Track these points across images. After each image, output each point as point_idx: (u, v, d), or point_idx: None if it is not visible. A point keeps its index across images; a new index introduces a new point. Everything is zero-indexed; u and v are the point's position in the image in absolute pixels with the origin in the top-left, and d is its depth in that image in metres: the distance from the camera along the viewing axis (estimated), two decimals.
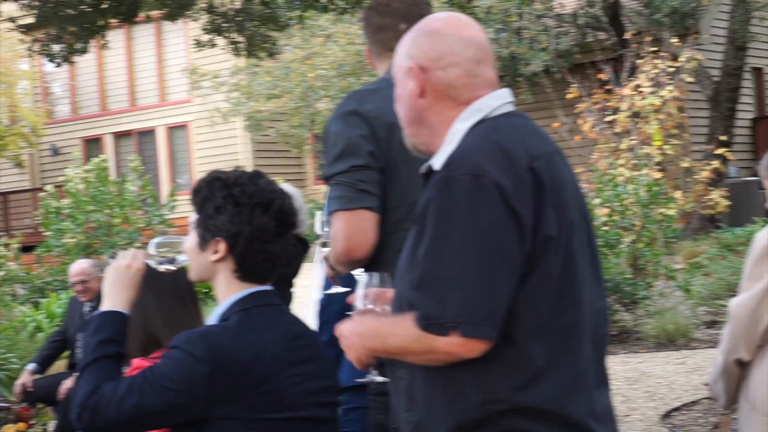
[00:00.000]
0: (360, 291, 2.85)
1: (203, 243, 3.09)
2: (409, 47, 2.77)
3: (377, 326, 2.71)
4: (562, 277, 2.58)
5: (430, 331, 2.50)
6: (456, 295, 2.49)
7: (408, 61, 2.75)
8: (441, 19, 2.78)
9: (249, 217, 3.02)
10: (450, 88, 2.71)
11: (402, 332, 2.57)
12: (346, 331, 2.75)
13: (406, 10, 3.78)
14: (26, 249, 17.03)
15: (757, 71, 24.71)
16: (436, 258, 2.53)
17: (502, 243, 2.50)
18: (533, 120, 2.81)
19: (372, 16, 3.85)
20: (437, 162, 2.68)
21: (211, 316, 3.13)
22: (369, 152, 3.53)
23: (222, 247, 3.05)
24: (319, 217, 3.79)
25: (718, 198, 16.96)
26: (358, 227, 3.48)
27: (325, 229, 3.67)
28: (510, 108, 2.75)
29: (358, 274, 3.28)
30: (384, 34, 3.79)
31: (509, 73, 20.65)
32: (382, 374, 2.93)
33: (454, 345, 2.49)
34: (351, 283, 3.20)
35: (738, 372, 3.87)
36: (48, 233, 15.18)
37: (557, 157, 2.71)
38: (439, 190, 2.56)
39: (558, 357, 2.57)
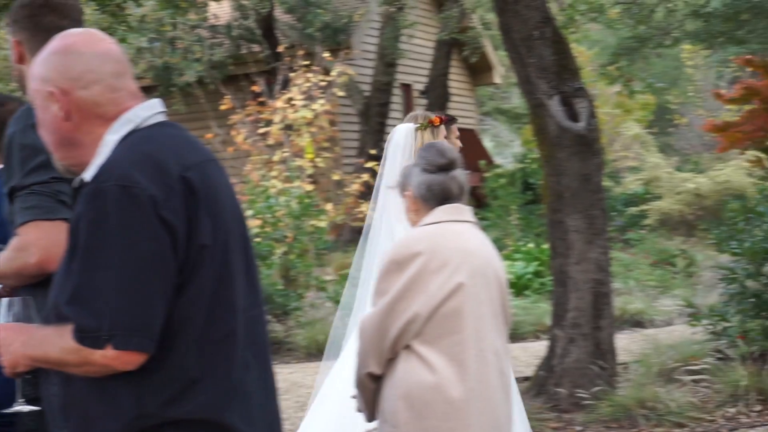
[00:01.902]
0: (2, 316, 2.80)
1: None
2: (44, 70, 2.67)
3: (41, 335, 2.64)
4: (217, 286, 2.58)
5: (85, 344, 2.47)
6: (109, 308, 2.46)
7: (46, 85, 2.65)
8: (73, 37, 2.70)
9: None
10: (96, 106, 2.64)
11: (61, 344, 2.53)
12: (5, 332, 2.70)
13: (77, 12, 3.62)
14: None
15: (406, 87, 25.58)
16: (89, 271, 2.49)
17: (155, 254, 2.48)
18: (187, 130, 2.79)
19: (42, 16, 3.59)
20: (88, 174, 2.62)
21: None
22: None
23: None
24: None
25: (369, 210, 17.32)
26: (57, 238, 3.24)
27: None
28: (162, 118, 2.72)
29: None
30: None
31: (163, 83, 20.37)
32: (33, 391, 2.85)
33: (109, 358, 2.46)
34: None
35: (372, 385, 3.94)
36: None
37: (212, 166, 2.70)
38: (89, 203, 2.52)
39: (213, 366, 2.57)
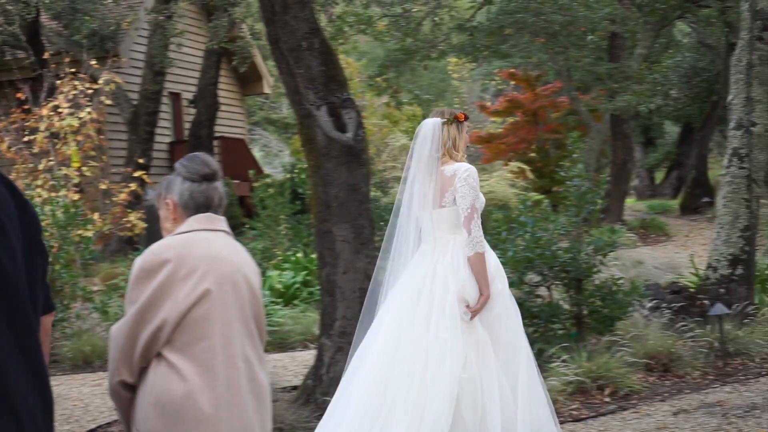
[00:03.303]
0: None
1: None
2: None
3: None
4: None
5: None
6: None
7: None
8: None
9: None
10: None
11: None
12: None
13: None
14: None
15: (175, 96, 25.29)
16: None
17: None
18: None
19: None
20: None
21: None
22: None
23: None
24: None
25: (136, 220, 17.08)
26: None
27: None
28: None
29: None
30: None
31: None
32: None
33: None
34: None
35: (126, 394, 3.93)
36: None
37: None
38: None
39: None
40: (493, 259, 6.19)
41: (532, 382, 6.04)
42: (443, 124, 6.23)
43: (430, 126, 6.25)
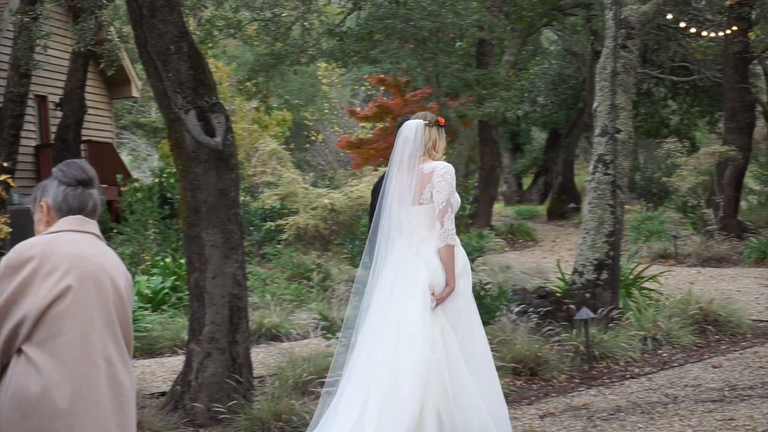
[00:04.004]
0: None
1: None
2: None
3: None
4: None
5: None
6: None
7: None
8: None
9: None
10: None
11: None
12: None
13: None
14: None
15: (42, 99, 24.76)
16: None
17: None
18: None
19: None
20: None
21: None
22: None
23: None
24: None
25: (1, 224, 16.65)
26: None
27: None
28: None
29: None
30: None
31: None
32: None
33: None
34: None
35: None
36: None
37: None
38: None
39: None
40: (462, 258, 6.57)
41: (487, 380, 6.50)
42: (426, 125, 6.61)
43: (413, 127, 6.63)
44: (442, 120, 6.75)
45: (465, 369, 6.28)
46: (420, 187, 6.51)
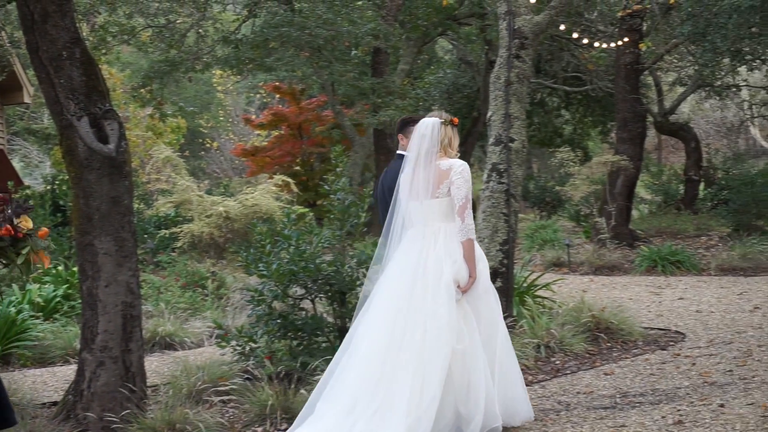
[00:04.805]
0: None
1: None
2: None
3: None
4: None
5: None
6: None
7: None
8: None
9: None
10: None
11: None
12: None
13: None
14: None
15: None
16: None
17: None
18: None
19: None
20: None
21: None
22: None
23: None
24: None
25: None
26: None
27: None
28: None
29: None
30: None
31: None
32: None
33: None
34: None
35: None
36: None
37: None
38: None
39: None
40: (478, 248, 7.08)
41: (508, 359, 7.02)
42: (442, 124, 7.06)
43: (429, 124, 7.09)
44: (456, 120, 7.21)
45: (482, 355, 6.73)
46: (437, 182, 6.98)
